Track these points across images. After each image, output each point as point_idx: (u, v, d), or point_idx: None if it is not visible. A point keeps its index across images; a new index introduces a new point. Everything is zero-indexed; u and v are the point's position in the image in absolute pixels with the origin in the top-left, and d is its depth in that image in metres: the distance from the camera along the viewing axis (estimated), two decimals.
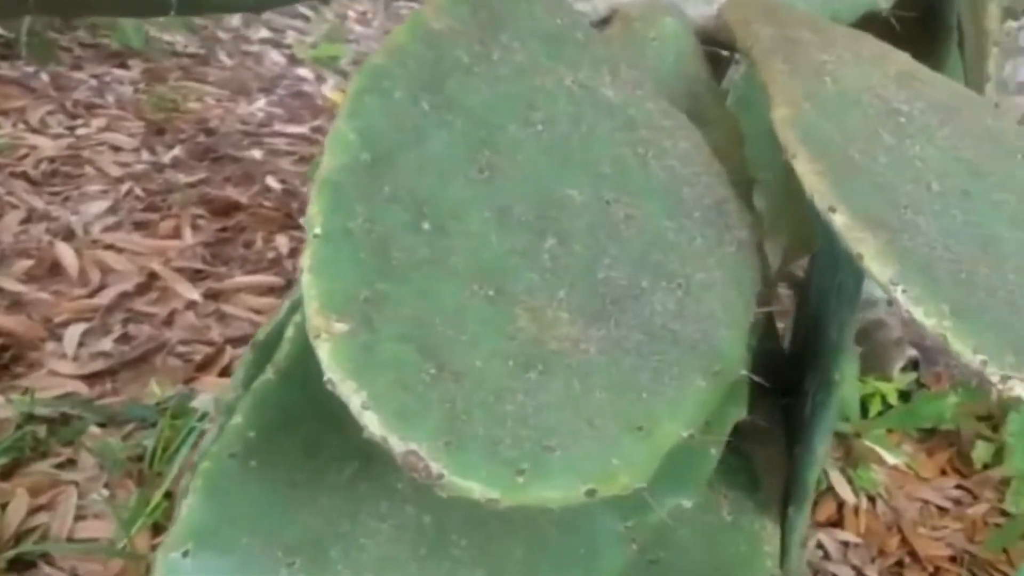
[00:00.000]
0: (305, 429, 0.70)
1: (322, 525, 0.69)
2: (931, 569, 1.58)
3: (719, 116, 0.93)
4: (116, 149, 2.31)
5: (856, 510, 1.66)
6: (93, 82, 2.67)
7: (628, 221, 0.74)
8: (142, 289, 1.84)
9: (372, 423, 0.56)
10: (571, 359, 0.64)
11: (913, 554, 1.61)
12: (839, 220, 0.71)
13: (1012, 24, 1.51)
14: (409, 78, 0.71)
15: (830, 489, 1.68)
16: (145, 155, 2.31)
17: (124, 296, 1.81)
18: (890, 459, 1.66)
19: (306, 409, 0.70)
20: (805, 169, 0.74)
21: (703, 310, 0.71)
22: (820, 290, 1.00)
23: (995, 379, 0.66)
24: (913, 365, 1.81)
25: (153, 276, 1.88)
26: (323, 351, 0.57)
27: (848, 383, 1.62)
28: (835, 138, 0.79)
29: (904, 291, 0.68)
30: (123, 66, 2.87)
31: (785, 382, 1.05)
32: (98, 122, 2.43)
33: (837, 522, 1.64)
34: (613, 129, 0.79)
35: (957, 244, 0.75)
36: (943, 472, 1.76)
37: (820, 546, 1.61)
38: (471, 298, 0.64)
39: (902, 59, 0.93)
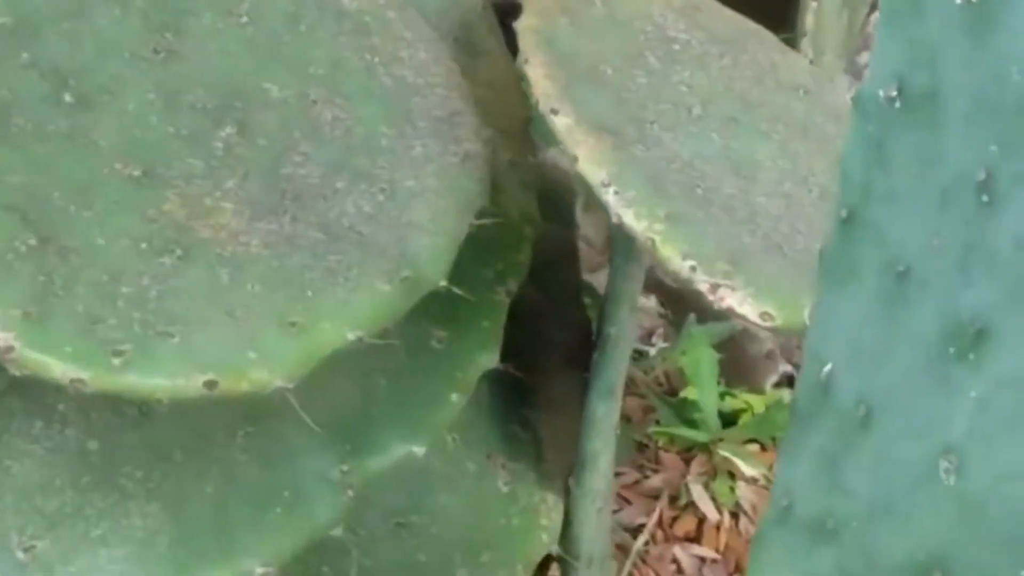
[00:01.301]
0: None
1: None
2: None
3: (494, 48, 0.86)
4: None
5: (718, 527, 1.58)
6: None
7: (335, 123, 0.67)
8: None
9: None
10: (224, 249, 0.57)
11: None
12: (560, 122, 0.65)
13: None
14: None
15: (691, 504, 1.60)
16: None
17: None
18: (747, 471, 1.59)
19: None
20: (536, 74, 0.68)
21: (406, 217, 0.64)
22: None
23: (704, 288, 0.60)
24: (788, 381, 1.74)
25: None
26: None
27: (707, 391, 1.55)
28: (586, 53, 0.72)
29: (616, 192, 0.62)
30: None
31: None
32: None
33: (695, 538, 1.56)
34: (339, 33, 0.72)
35: (706, 164, 0.69)
36: None
37: (675, 561, 1.53)
38: (109, 176, 0.57)
39: None
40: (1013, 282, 0.43)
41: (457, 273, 0.75)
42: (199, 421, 0.66)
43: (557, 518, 0.90)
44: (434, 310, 0.71)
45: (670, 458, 1.55)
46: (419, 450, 0.72)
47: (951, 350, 0.45)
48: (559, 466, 0.92)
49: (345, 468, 0.69)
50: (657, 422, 1.51)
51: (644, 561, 1.46)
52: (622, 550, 1.42)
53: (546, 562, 0.93)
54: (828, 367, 0.52)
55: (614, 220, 0.61)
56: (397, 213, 0.64)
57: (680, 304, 1.54)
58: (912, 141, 0.47)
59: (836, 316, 0.52)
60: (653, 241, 0.60)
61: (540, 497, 0.90)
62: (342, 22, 0.72)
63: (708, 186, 0.66)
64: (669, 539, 1.56)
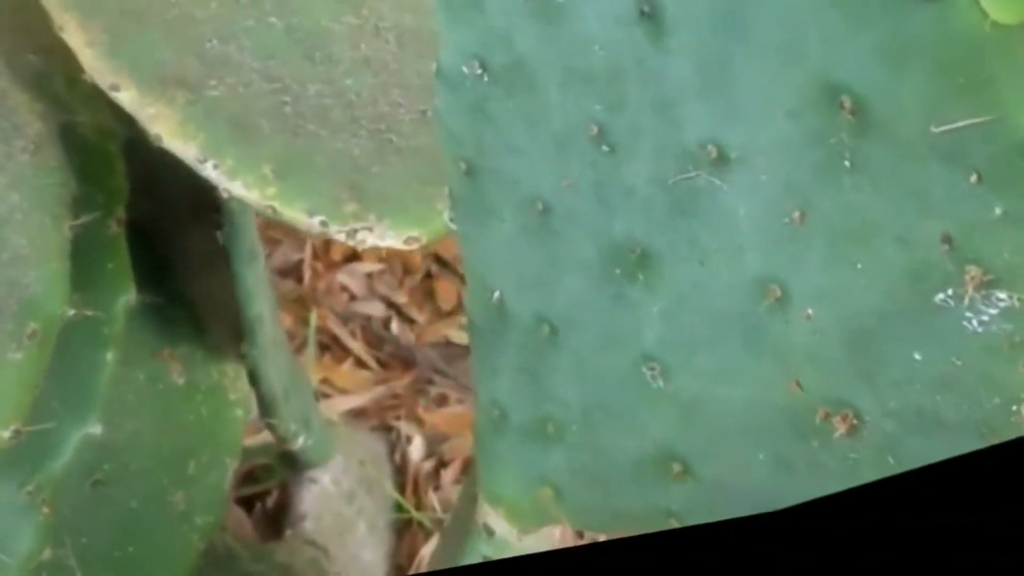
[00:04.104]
0: None
1: None
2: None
3: None
4: None
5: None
6: None
7: None
8: None
9: None
10: None
11: (440, 260, 1.54)
12: (127, 99, 0.60)
13: None
14: None
15: None
16: None
17: None
18: None
19: None
20: (76, 43, 0.61)
21: (6, 254, 0.59)
22: None
23: (343, 238, 0.58)
24: None
25: None
26: None
27: None
28: None
29: (215, 166, 0.58)
30: None
31: None
32: None
33: (353, 255, 1.53)
34: None
35: (281, 64, 0.65)
36: None
37: (344, 288, 1.52)
38: None
39: None
40: (660, 211, 0.45)
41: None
42: None
43: (244, 387, 0.88)
44: None
45: None
46: (95, 430, 0.69)
47: (617, 271, 0.48)
48: (226, 331, 0.90)
49: (30, 489, 0.66)
50: None
51: (317, 302, 1.45)
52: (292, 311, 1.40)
53: None
54: (497, 293, 0.53)
55: (225, 196, 0.57)
56: None
57: None
58: (513, 105, 0.48)
59: (487, 251, 0.53)
60: (274, 208, 0.57)
61: (219, 372, 0.88)
62: None
63: (294, 96, 0.63)
64: (330, 267, 1.53)
